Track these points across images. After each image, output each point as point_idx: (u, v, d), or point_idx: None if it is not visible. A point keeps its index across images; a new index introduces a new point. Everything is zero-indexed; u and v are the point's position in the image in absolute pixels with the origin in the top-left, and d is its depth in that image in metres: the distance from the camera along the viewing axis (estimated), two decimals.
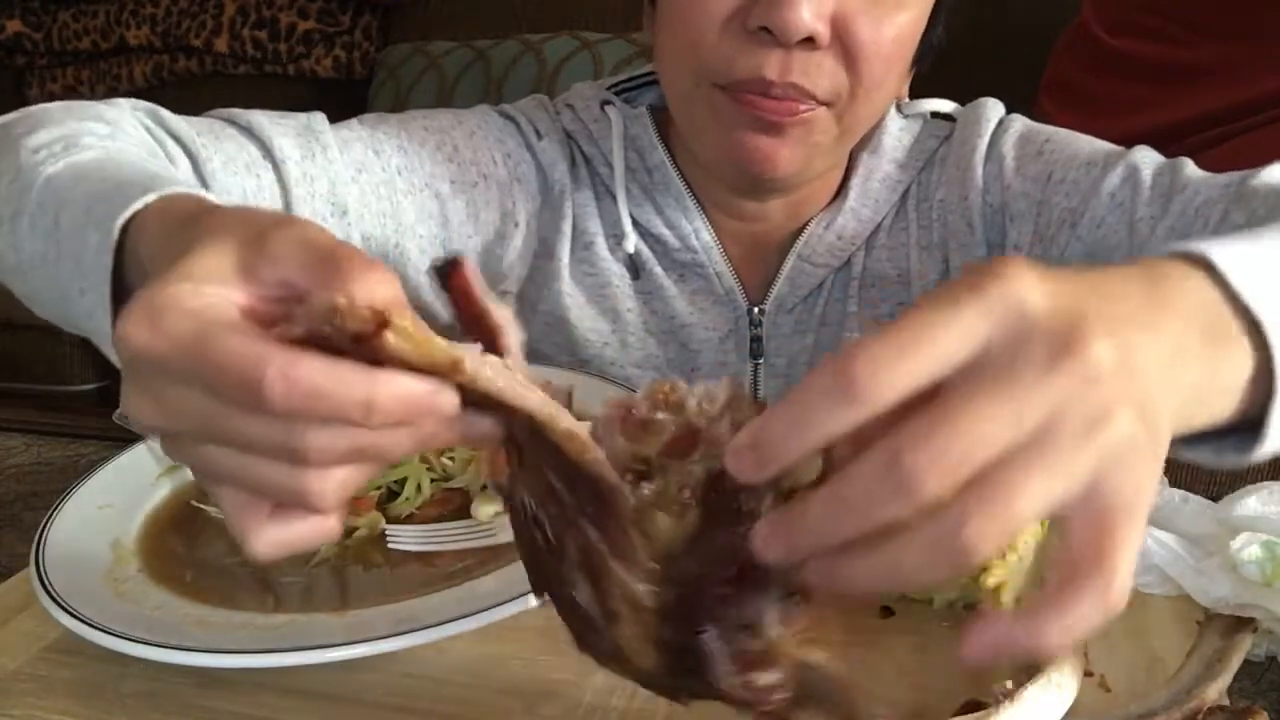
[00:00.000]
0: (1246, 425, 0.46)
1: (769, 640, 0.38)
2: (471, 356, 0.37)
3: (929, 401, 0.34)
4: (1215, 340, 0.43)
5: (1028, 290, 0.35)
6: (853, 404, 0.34)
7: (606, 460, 0.39)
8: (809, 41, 0.72)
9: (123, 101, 0.72)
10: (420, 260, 0.84)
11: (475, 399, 0.37)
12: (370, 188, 0.80)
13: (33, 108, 0.68)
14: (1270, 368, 0.45)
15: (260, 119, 0.77)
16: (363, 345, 0.35)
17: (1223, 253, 0.45)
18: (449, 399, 0.37)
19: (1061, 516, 0.35)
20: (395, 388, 0.36)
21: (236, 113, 0.77)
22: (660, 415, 0.39)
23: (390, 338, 0.34)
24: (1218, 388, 0.44)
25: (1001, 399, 0.33)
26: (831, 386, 0.34)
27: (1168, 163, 0.80)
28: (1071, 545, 0.35)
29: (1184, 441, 0.48)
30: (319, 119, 0.80)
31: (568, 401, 0.41)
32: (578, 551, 0.41)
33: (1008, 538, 0.33)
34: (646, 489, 0.38)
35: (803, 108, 0.75)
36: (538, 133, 0.88)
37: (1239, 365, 0.44)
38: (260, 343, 0.35)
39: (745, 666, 0.38)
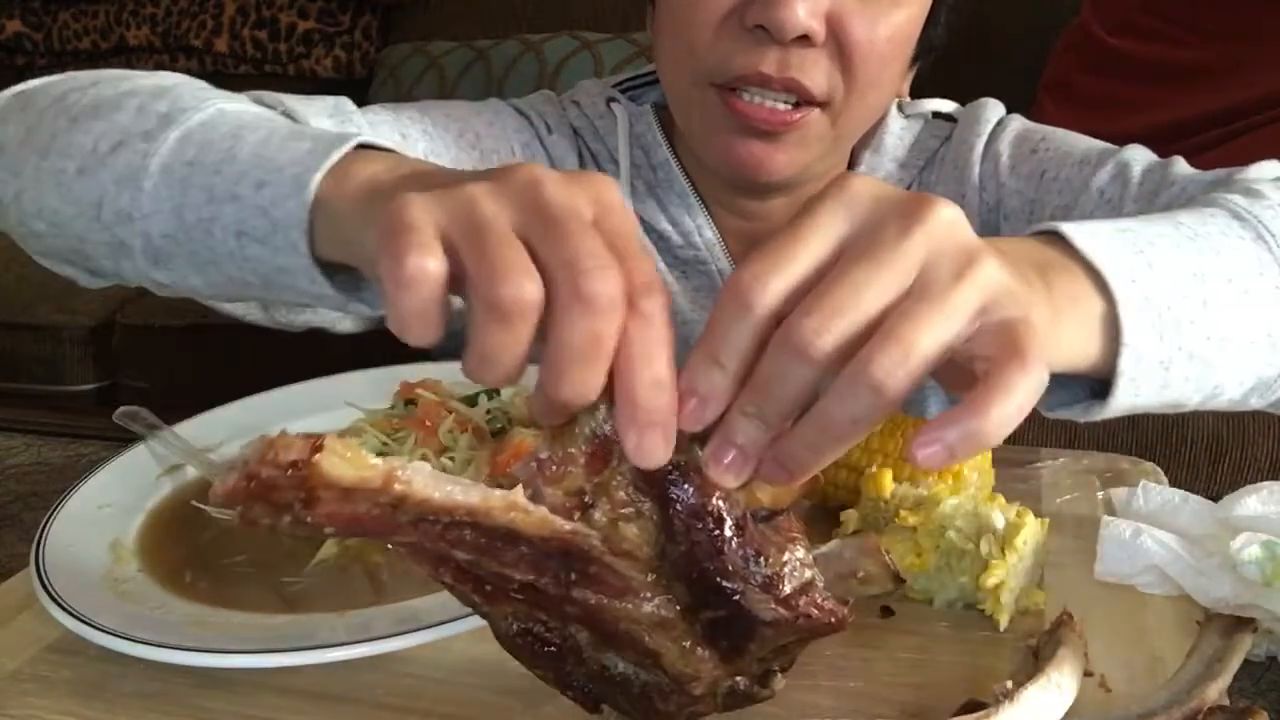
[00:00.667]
0: (1102, 385, 0.49)
1: (787, 553, 0.40)
2: (403, 469, 0.37)
3: None
4: (1052, 270, 0.46)
5: (870, 185, 0.39)
6: (749, 312, 0.37)
7: (551, 516, 0.39)
8: (804, 39, 0.72)
9: (165, 75, 0.69)
10: None
11: (413, 513, 0.37)
12: None
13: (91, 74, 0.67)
14: (1116, 316, 0.47)
15: (292, 101, 0.76)
16: (297, 473, 0.35)
17: (1073, 225, 0.49)
18: None
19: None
20: None
21: (265, 95, 0.76)
22: (563, 450, 0.39)
23: (324, 461, 0.36)
24: (1068, 314, 0.46)
25: (870, 263, 0.37)
26: (727, 306, 0.38)
27: (1159, 161, 0.80)
28: (982, 355, 0.38)
29: (1052, 402, 0.51)
30: (346, 102, 0.80)
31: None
32: (586, 630, 0.41)
33: (914, 374, 0.36)
34: (598, 515, 0.39)
35: (796, 115, 0.75)
36: (548, 127, 0.89)
37: (1085, 297, 0.47)
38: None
39: (776, 587, 0.39)
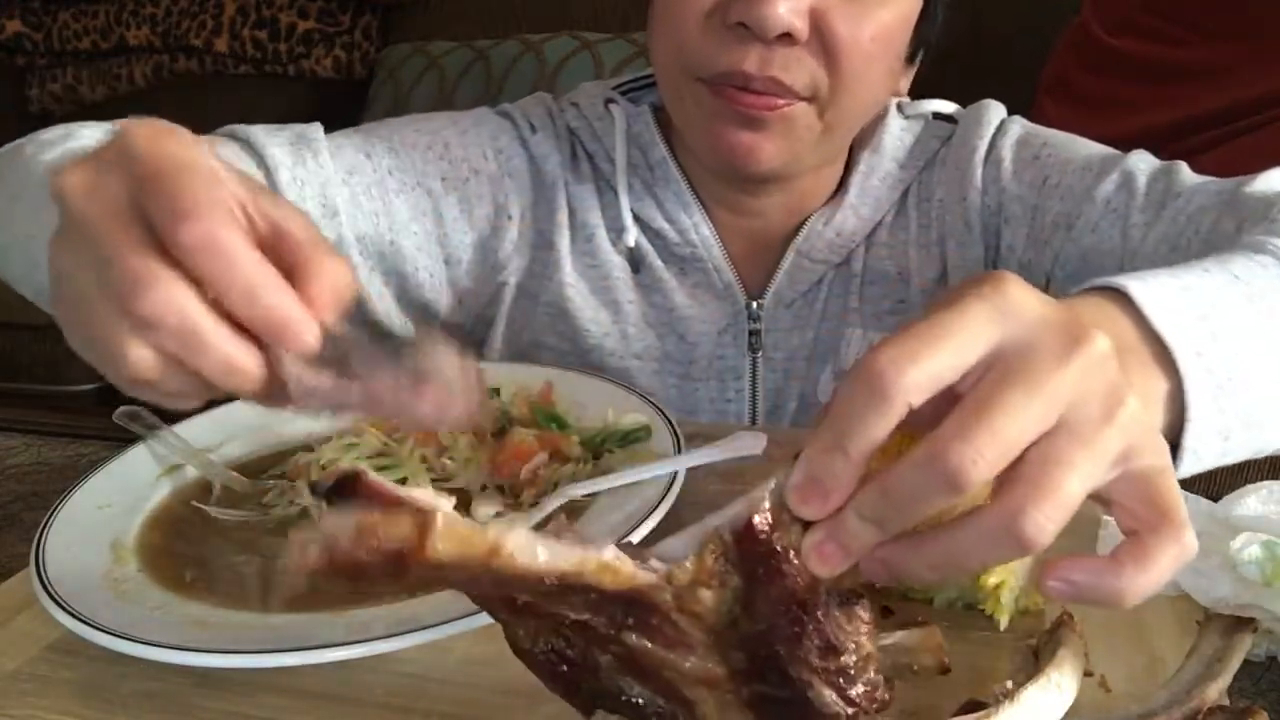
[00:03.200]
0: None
1: (858, 649, 0.39)
2: (506, 539, 0.36)
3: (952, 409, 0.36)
4: (1129, 355, 0.48)
5: (1024, 295, 0.37)
6: (884, 402, 0.35)
7: (637, 572, 0.38)
8: (787, 37, 0.72)
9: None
10: (416, 257, 0.86)
11: (500, 578, 0.37)
12: (362, 189, 0.82)
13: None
14: (1182, 393, 0.49)
15: (257, 131, 0.79)
16: (408, 562, 0.34)
17: (1140, 286, 0.50)
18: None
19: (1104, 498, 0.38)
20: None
21: (237, 128, 0.79)
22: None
23: (433, 547, 0.34)
24: (1145, 401, 0.46)
25: (1027, 388, 0.35)
26: (860, 391, 0.35)
27: (1163, 167, 0.80)
28: (1130, 512, 0.37)
29: None
30: (314, 128, 0.82)
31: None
32: (616, 660, 0.41)
33: (1063, 523, 0.35)
34: (681, 574, 0.38)
35: (781, 102, 0.76)
36: (532, 126, 0.90)
37: (1155, 380, 0.49)
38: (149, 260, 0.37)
39: (844, 683, 0.38)
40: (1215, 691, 0.49)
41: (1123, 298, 0.50)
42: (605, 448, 0.71)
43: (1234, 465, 0.56)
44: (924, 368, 0.35)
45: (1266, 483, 0.61)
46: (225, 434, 0.77)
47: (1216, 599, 0.55)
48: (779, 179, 0.85)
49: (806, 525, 0.37)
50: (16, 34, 2.42)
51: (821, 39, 0.74)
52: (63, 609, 0.54)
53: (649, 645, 0.39)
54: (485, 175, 0.88)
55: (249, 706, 0.53)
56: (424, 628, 0.52)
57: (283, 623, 0.56)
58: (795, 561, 0.37)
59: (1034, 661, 0.51)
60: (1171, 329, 0.50)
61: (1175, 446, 0.51)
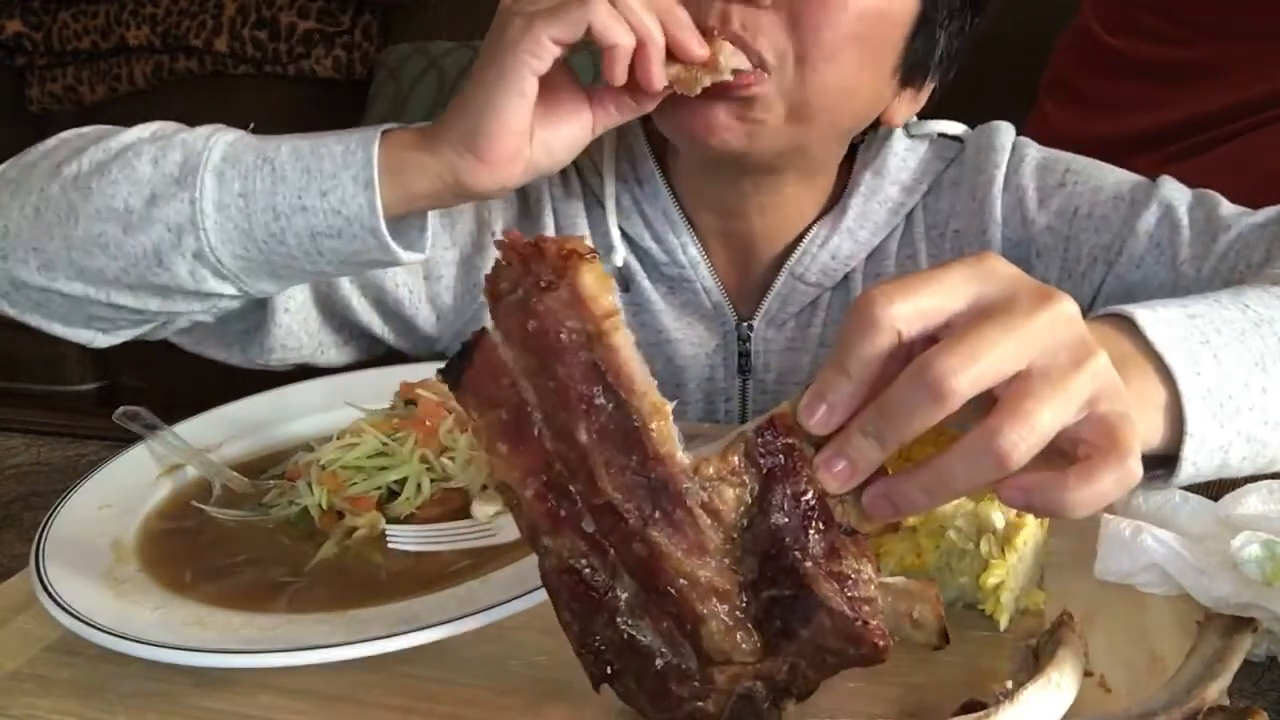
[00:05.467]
0: (1162, 457, 0.54)
1: (860, 568, 0.43)
2: (622, 324, 0.42)
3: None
4: (1127, 364, 0.51)
5: (1006, 264, 0.43)
6: (875, 327, 0.40)
7: (678, 439, 0.42)
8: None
9: (132, 129, 0.77)
10: (395, 272, 0.86)
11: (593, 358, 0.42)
12: None
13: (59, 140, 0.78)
14: (1180, 405, 0.52)
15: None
16: (563, 259, 0.41)
17: (1145, 311, 0.54)
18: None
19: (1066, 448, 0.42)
20: None
21: (221, 127, 0.78)
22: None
23: (585, 267, 0.41)
24: (1139, 404, 0.50)
25: (1004, 327, 0.40)
26: (853, 319, 0.41)
27: (1197, 196, 0.81)
28: (1088, 444, 0.41)
29: None
30: None
31: None
32: (635, 583, 0.44)
33: (1034, 448, 0.40)
34: (711, 469, 0.42)
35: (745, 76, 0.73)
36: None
37: (1154, 389, 0.52)
38: None
39: (846, 584, 0.43)
40: (1215, 691, 0.49)
41: (1127, 323, 0.54)
42: None
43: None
44: (911, 302, 0.41)
45: (1266, 482, 0.61)
46: (225, 434, 0.77)
47: (1216, 599, 0.55)
48: (751, 172, 0.82)
49: (819, 444, 0.42)
50: (16, 34, 2.42)
51: (790, 7, 0.71)
52: (63, 609, 0.54)
53: (670, 547, 0.42)
54: None
55: (249, 706, 0.53)
56: (424, 627, 0.52)
57: (283, 623, 0.56)
58: (806, 470, 0.42)
59: (1034, 661, 0.51)
60: (1169, 347, 0.52)
61: (1175, 456, 0.53)
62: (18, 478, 0.87)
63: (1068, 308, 0.42)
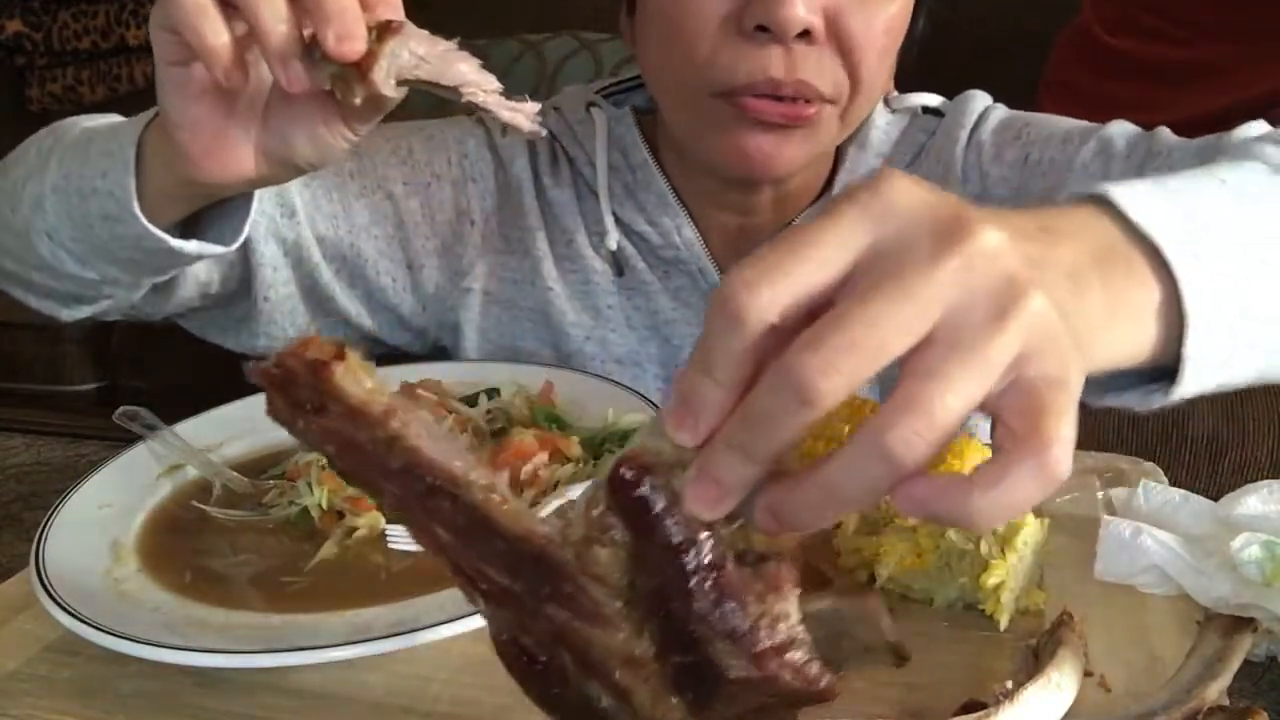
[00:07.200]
0: (1163, 369, 0.45)
1: (766, 608, 0.35)
2: (405, 412, 0.37)
3: None
4: (1110, 263, 0.42)
5: (904, 193, 0.34)
6: (738, 325, 0.33)
7: (528, 512, 0.37)
8: (806, 36, 0.72)
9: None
10: (378, 261, 0.87)
11: (401, 460, 0.37)
12: (322, 191, 0.83)
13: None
14: (1178, 297, 0.43)
15: None
16: (314, 374, 0.37)
17: (1122, 190, 0.44)
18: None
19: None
20: None
21: None
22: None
23: (339, 370, 0.37)
24: (1124, 313, 0.42)
25: (894, 294, 0.32)
26: (713, 315, 0.33)
27: (1142, 133, 0.81)
28: (1004, 419, 0.33)
29: (1108, 389, 0.48)
30: None
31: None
32: (569, 652, 0.39)
33: (938, 440, 0.32)
34: (575, 530, 0.37)
35: (811, 110, 0.75)
36: (504, 130, 0.89)
37: (1142, 288, 0.43)
38: None
39: (747, 641, 0.35)
40: (1215, 691, 0.49)
41: (1104, 203, 0.45)
42: (605, 448, 0.71)
43: (1234, 465, 0.55)
44: (781, 286, 0.33)
45: (1266, 482, 0.61)
46: (225, 434, 0.77)
47: (1216, 599, 0.55)
48: (786, 180, 0.84)
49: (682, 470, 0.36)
50: (16, 34, 2.42)
51: (838, 38, 0.73)
52: (63, 609, 0.54)
53: (573, 621, 0.37)
54: (448, 180, 0.88)
55: (249, 706, 0.53)
56: (424, 627, 0.52)
57: (283, 623, 0.56)
58: (671, 507, 0.35)
59: (1034, 661, 0.51)
60: (1158, 228, 0.44)
61: (1173, 370, 0.45)
62: (18, 478, 0.88)
63: (986, 240, 0.33)
